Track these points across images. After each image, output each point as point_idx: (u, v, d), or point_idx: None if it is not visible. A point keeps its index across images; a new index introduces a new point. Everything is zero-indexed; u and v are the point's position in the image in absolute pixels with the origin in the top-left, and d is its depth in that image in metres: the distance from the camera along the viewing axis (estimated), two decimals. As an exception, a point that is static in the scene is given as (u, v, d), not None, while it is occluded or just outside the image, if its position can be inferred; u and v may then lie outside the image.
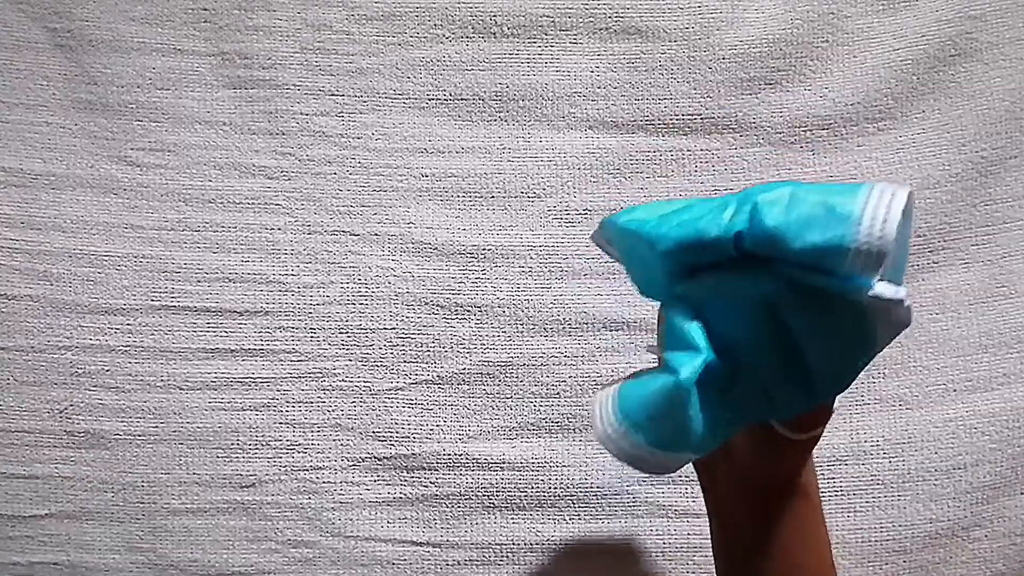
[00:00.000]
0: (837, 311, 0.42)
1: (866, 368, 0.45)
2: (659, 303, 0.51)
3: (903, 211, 0.40)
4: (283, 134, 0.78)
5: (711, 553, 0.57)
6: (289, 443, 0.74)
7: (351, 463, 0.74)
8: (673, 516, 0.73)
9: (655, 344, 0.50)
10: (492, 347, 0.75)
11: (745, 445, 0.49)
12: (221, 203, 0.77)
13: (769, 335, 0.44)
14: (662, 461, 0.46)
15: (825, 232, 0.40)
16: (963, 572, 0.72)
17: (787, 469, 0.52)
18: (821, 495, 0.71)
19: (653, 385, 0.44)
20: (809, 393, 0.46)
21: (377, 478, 0.74)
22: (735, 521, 0.54)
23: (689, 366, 0.43)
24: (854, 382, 0.46)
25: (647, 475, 0.47)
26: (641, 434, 0.45)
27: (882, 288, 0.41)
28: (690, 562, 0.73)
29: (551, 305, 0.76)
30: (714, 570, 0.57)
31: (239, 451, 0.74)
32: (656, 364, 0.50)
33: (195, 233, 0.77)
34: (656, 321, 0.52)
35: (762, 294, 0.43)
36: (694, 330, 0.44)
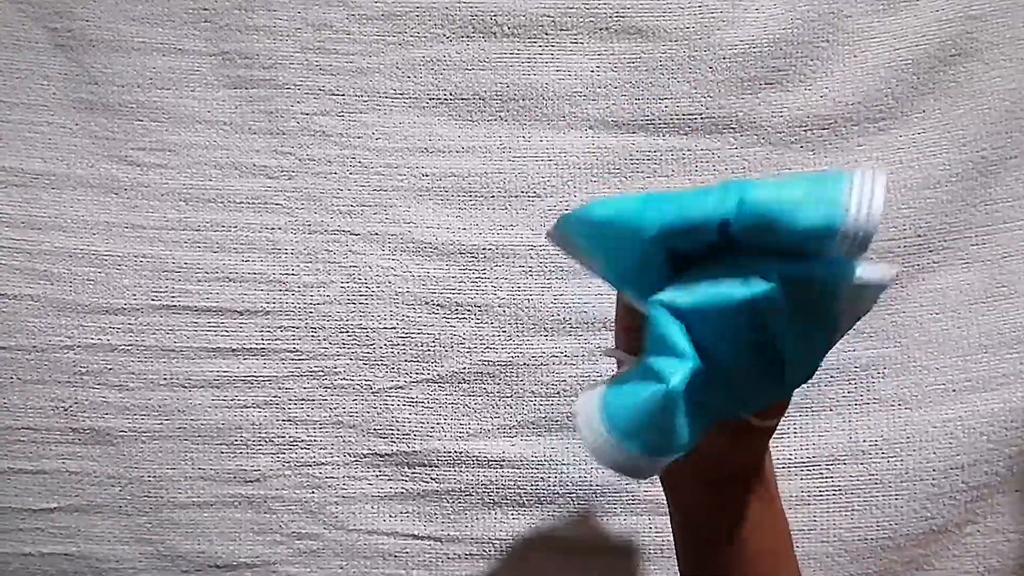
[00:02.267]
0: (816, 304, 0.44)
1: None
2: (619, 300, 0.53)
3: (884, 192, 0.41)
4: (283, 134, 0.79)
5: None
6: (292, 439, 0.76)
7: (353, 459, 0.76)
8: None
9: (612, 347, 0.52)
10: (492, 347, 0.77)
11: (709, 436, 0.51)
12: (221, 203, 0.78)
13: (750, 338, 0.45)
14: (652, 467, 0.47)
15: (815, 215, 0.41)
16: (955, 566, 0.74)
17: (749, 457, 0.53)
18: (820, 495, 0.73)
19: (642, 393, 0.45)
20: (782, 386, 0.47)
21: (379, 474, 0.76)
22: (697, 512, 0.55)
23: (679, 373, 0.44)
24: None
25: (631, 479, 0.47)
26: (633, 443, 0.45)
27: (870, 272, 0.43)
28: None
29: (551, 305, 0.77)
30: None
31: (243, 447, 0.76)
32: (618, 367, 0.50)
33: (195, 233, 0.78)
34: (615, 321, 0.55)
35: (750, 296, 0.43)
36: (681, 336, 0.45)
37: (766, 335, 0.45)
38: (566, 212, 0.50)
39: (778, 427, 0.53)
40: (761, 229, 0.43)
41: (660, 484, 0.58)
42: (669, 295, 0.45)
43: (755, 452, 0.54)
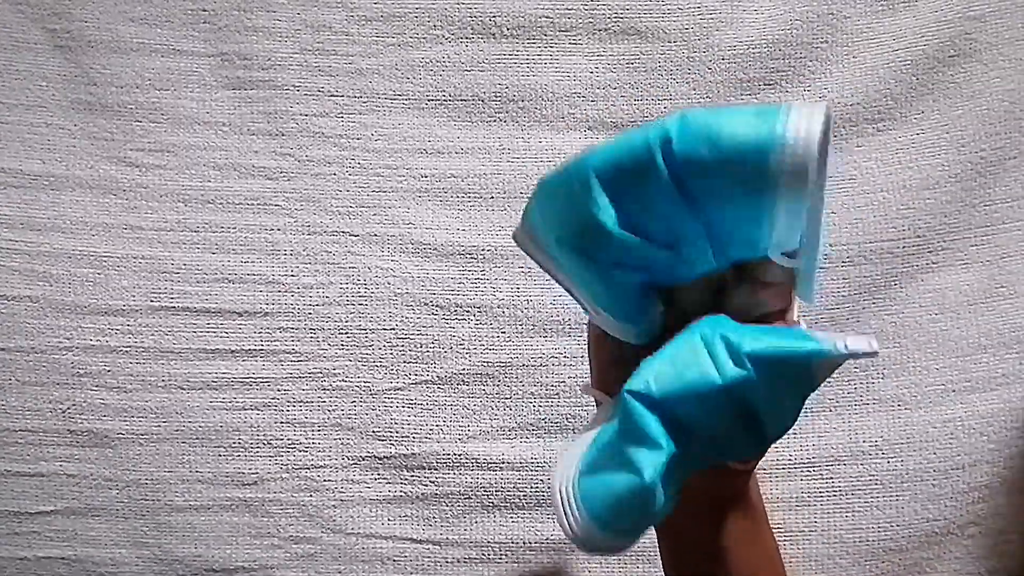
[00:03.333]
0: (792, 377, 0.44)
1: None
2: (590, 330, 0.53)
3: (824, 125, 0.42)
4: (282, 135, 0.80)
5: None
6: (290, 442, 0.77)
7: (351, 462, 0.77)
8: (671, 515, 0.75)
9: (590, 387, 0.52)
10: (492, 347, 0.77)
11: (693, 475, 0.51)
12: (220, 203, 0.79)
13: (728, 414, 0.45)
14: (627, 546, 0.47)
15: (754, 130, 0.42)
16: (957, 568, 0.74)
17: (734, 485, 0.54)
18: (820, 496, 0.73)
19: (617, 485, 0.45)
20: (762, 443, 0.47)
21: (377, 476, 0.77)
22: (686, 537, 0.56)
23: (653, 466, 0.44)
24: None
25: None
26: (609, 530, 0.45)
27: (855, 343, 0.43)
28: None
29: (551, 305, 0.78)
30: None
31: (241, 450, 0.77)
32: (595, 409, 0.51)
33: (195, 233, 0.78)
34: (586, 344, 0.54)
35: (724, 383, 0.43)
36: (654, 426, 0.44)
37: (746, 408, 0.45)
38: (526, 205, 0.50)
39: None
40: (703, 145, 0.42)
41: None
42: (640, 384, 0.45)
43: (741, 482, 0.54)
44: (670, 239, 0.46)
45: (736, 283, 0.49)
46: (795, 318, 0.49)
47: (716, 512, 0.54)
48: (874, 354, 0.43)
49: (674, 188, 0.43)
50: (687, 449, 0.45)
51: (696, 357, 0.44)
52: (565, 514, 0.46)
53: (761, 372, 0.43)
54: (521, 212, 0.49)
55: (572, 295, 0.51)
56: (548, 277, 0.76)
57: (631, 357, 0.48)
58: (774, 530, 0.59)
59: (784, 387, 0.45)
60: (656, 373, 0.45)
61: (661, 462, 0.44)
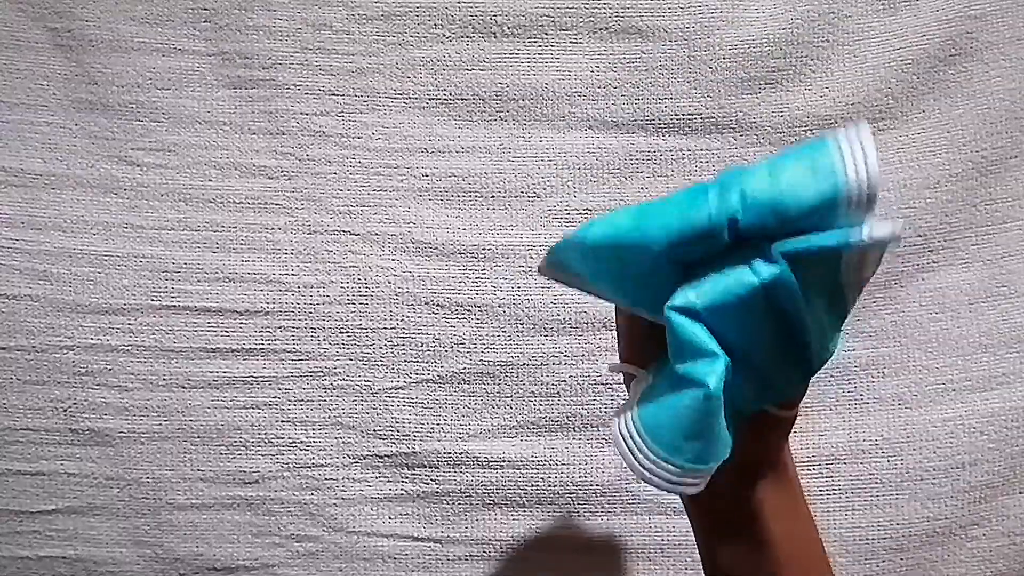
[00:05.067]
0: (823, 274, 0.44)
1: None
2: (618, 312, 0.54)
3: (874, 150, 0.42)
4: (283, 134, 0.80)
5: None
6: (291, 441, 0.78)
7: (352, 460, 0.78)
8: (672, 513, 0.76)
9: (617, 362, 0.52)
10: (492, 347, 0.78)
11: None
12: (221, 203, 0.80)
13: (769, 326, 0.45)
14: (703, 478, 0.46)
15: (818, 188, 0.42)
16: (962, 571, 0.75)
17: (771, 447, 0.54)
18: (820, 495, 0.74)
19: (680, 403, 0.45)
20: (807, 367, 0.48)
21: (378, 475, 0.78)
22: (719, 507, 0.55)
23: (714, 374, 0.44)
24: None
25: (683, 493, 0.47)
26: (681, 456, 0.45)
27: (879, 228, 0.43)
28: (688, 559, 0.76)
29: (551, 305, 0.78)
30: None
31: (242, 448, 0.78)
32: (626, 381, 0.51)
33: (195, 233, 0.79)
34: (617, 335, 0.55)
35: (760, 282, 0.44)
36: (706, 336, 0.45)
37: (784, 317, 0.45)
38: (555, 243, 0.50)
39: (797, 415, 0.54)
40: (770, 217, 0.43)
41: None
42: (682, 299, 0.45)
43: (774, 444, 0.54)
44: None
45: None
46: None
47: (750, 478, 0.53)
48: (898, 239, 0.43)
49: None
50: (737, 372, 0.45)
51: (731, 267, 0.45)
52: (631, 451, 0.46)
53: (794, 268, 0.43)
54: (550, 237, 0.50)
55: (602, 298, 0.51)
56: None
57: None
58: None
59: (817, 286, 0.45)
60: (696, 286, 0.45)
61: (720, 369, 0.44)
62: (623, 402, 0.50)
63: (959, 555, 0.75)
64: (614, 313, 0.56)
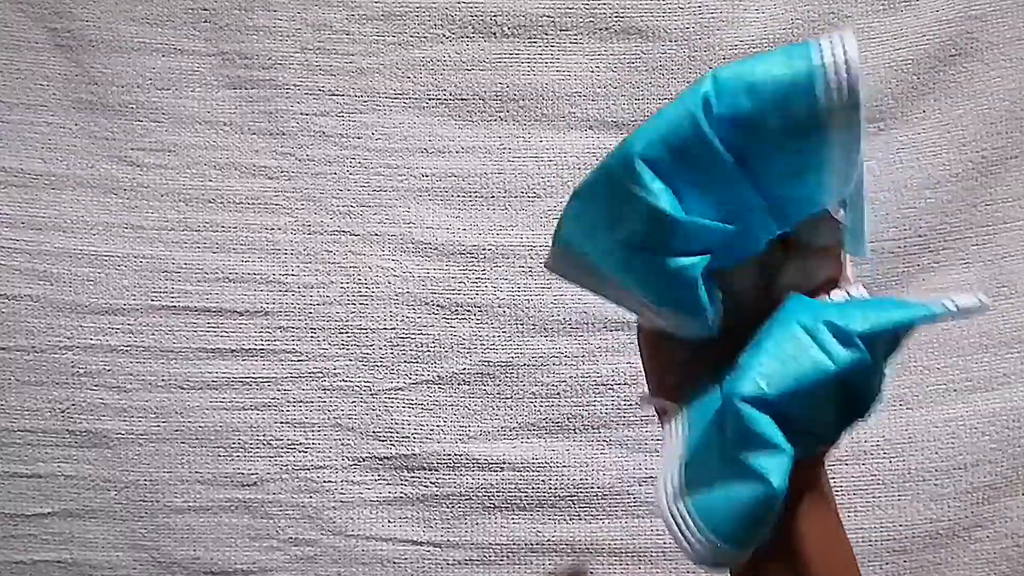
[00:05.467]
0: (896, 343, 0.43)
1: None
2: (641, 339, 0.51)
3: (855, 45, 0.40)
4: (283, 134, 0.81)
5: None
6: (290, 442, 0.78)
7: (352, 462, 0.78)
8: (673, 515, 0.75)
9: (649, 395, 0.50)
10: (492, 347, 0.78)
11: None
12: (221, 203, 0.80)
13: (837, 403, 0.43)
14: (749, 555, 0.45)
15: (792, 68, 0.40)
16: (966, 573, 0.75)
17: (809, 473, 0.54)
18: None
19: (741, 496, 0.43)
20: (853, 421, 0.46)
21: (378, 478, 0.78)
22: None
23: (779, 470, 0.42)
24: None
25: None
26: (734, 543, 0.43)
27: (966, 300, 0.41)
28: (689, 562, 0.74)
29: (551, 305, 0.79)
30: None
31: (240, 450, 0.77)
32: (662, 413, 0.49)
33: (195, 233, 0.80)
34: (644, 369, 0.52)
35: (839, 369, 0.42)
36: (773, 429, 0.42)
37: (854, 394, 0.43)
38: (554, 240, 0.48)
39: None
40: (743, 97, 0.41)
41: None
42: (751, 385, 0.43)
43: (812, 470, 0.54)
44: (731, 213, 0.43)
45: (784, 258, 0.48)
46: (850, 279, 0.48)
47: (792, 505, 0.53)
48: (985, 308, 0.42)
49: (726, 154, 0.41)
50: (795, 445, 0.43)
51: (803, 349, 0.43)
52: (683, 536, 0.44)
53: (872, 350, 0.42)
54: (550, 237, 0.47)
55: (623, 304, 0.48)
56: (548, 277, 0.78)
57: (692, 357, 0.48)
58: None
59: (887, 359, 0.43)
60: (765, 372, 0.43)
61: (787, 465, 0.42)
62: (662, 462, 0.47)
63: (963, 557, 0.75)
64: (638, 345, 0.53)
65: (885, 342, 0.43)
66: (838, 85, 0.40)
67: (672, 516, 0.44)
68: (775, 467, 0.42)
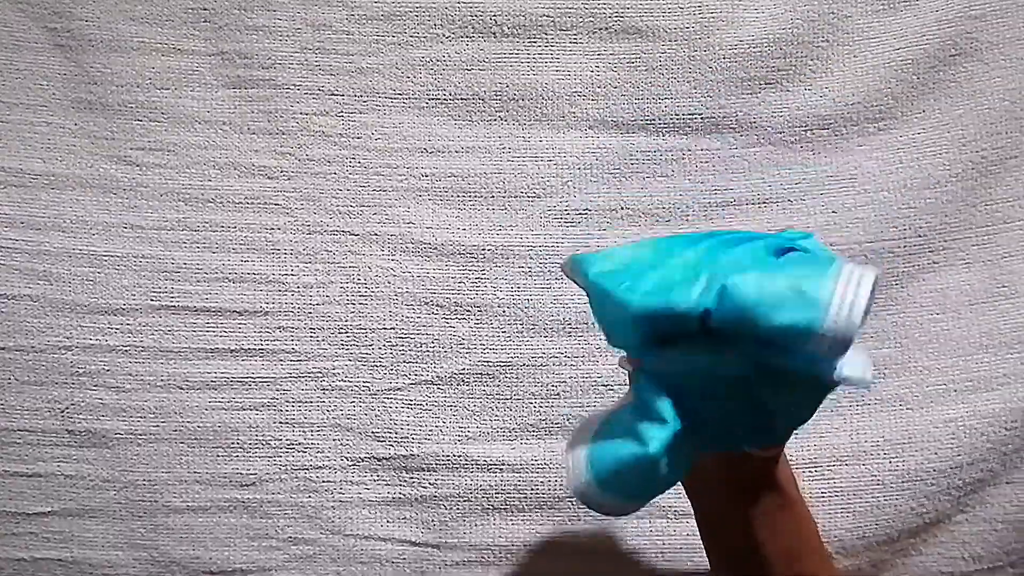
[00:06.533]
0: (795, 386, 0.48)
1: None
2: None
3: (868, 303, 0.44)
4: (283, 134, 0.81)
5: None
6: (289, 442, 0.78)
7: (351, 463, 0.78)
8: (673, 517, 0.76)
9: (625, 358, 0.54)
10: (492, 347, 0.78)
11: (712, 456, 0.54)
12: (221, 203, 0.80)
13: (737, 405, 0.49)
14: (630, 509, 0.52)
15: (794, 315, 0.44)
16: (941, 552, 0.75)
17: (758, 472, 0.57)
18: (822, 496, 0.74)
19: (622, 452, 0.49)
20: (773, 436, 0.52)
21: (376, 478, 0.78)
22: (720, 521, 0.59)
23: (658, 439, 0.48)
24: None
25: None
26: (612, 493, 0.50)
27: (850, 372, 0.46)
28: (689, 563, 0.76)
29: (551, 305, 0.79)
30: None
31: (239, 450, 0.78)
32: (626, 395, 0.53)
33: (195, 233, 0.80)
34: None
35: (730, 376, 0.47)
36: (663, 405, 0.48)
37: (752, 399, 0.48)
38: (576, 255, 0.54)
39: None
40: (739, 323, 0.45)
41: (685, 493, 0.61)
42: (654, 362, 0.49)
43: (763, 468, 0.56)
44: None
45: None
46: None
47: (744, 494, 0.56)
48: (868, 386, 0.47)
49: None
50: (697, 429, 0.49)
51: (708, 352, 0.47)
52: (572, 473, 0.50)
53: (770, 372, 0.47)
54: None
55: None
56: (548, 277, 0.78)
57: None
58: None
59: (788, 391, 0.48)
60: (671, 358, 0.48)
61: (665, 437, 0.48)
62: (593, 415, 0.53)
63: (940, 538, 0.75)
64: None
65: (787, 379, 0.47)
66: (831, 343, 0.44)
67: (571, 454, 0.51)
68: (656, 435, 0.48)
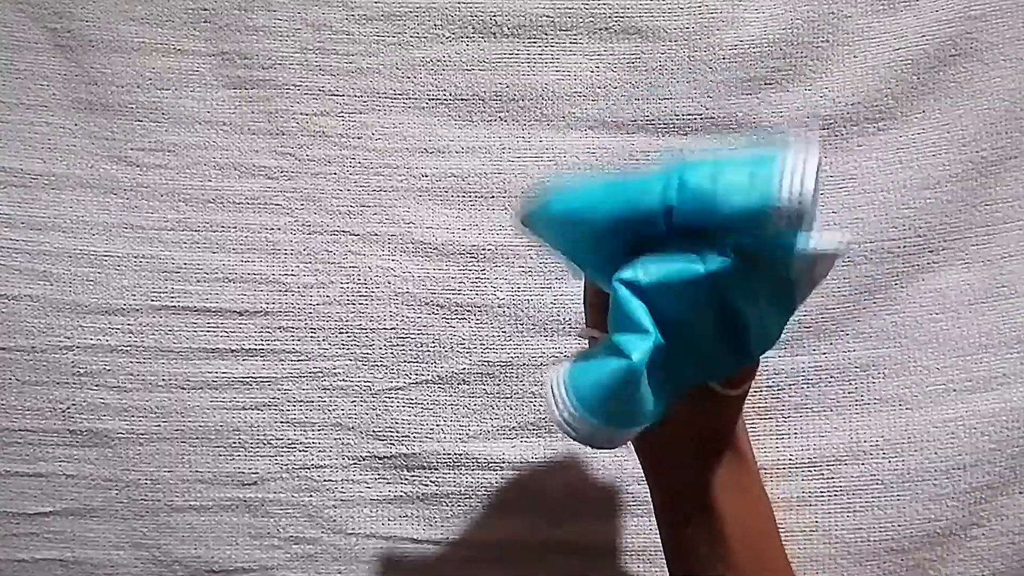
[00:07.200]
0: (770, 274, 0.48)
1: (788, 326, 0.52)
2: (586, 278, 0.57)
3: (816, 174, 0.45)
4: (283, 134, 0.81)
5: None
6: (290, 442, 0.78)
7: (352, 462, 0.78)
8: (673, 516, 0.76)
9: (585, 327, 0.56)
10: (492, 347, 0.79)
11: (681, 406, 0.55)
12: (221, 203, 0.81)
13: (709, 310, 0.49)
14: (615, 437, 0.51)
15: (750, 195, 0.46)
16: (960, 570, 0.75)
17: (721, 424, 0.57)
18: (822, 496, 0.75)
19: (605, 368, 0.48)
20: (744, 355, 0.52)
21: (378, 477, 0.78)
22: (676, 485, 0.59)
23: (640, 349, 0.47)
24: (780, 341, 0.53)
25: (597, 448, 0.52)
26: (596, 416, 0.49)
27: (823, 241, 0.47)
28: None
29: (551, 305, 0.79)
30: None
31: (241, 449, 0.78)
32: (592, 345, 0.54)
33: (195, 233, 0.80)
34: (583, 304, 0.60)
35: (707, 271, 0.47)
36: (642, 313, 0.48)
37: (726, 306, 0.49)
38: (530, 204, 0.54)
39: (748, 393, 0.57)
40: (702, 214, 0.47)
41: (636, 454, 0.62)
42: (630, 273, 0.49)
43: (727, 419, 0.57)
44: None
45: None
46: None
47: (705, 457, 0.57)
48: (845, 251, 0.48)
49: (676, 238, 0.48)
50: (674, 348, 0.49)
51: (684, 253, 0.48)
52: (554, 401, 0.50)
53: (744, 262, 0.47)
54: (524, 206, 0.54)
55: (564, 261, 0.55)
56: (548, 277, 0.79)
57: None
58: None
59: (765, 281, 0.48)
60: (645, 267, 0.49)
61: (647, 346, 0.48)
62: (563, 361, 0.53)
63: (958, 555, 0.75)
64: (583, 291, 0.61)
65: (762, 266, 0.47)
66: (788, 217, 0.45)
67: (549, 385, 0.51)
68: (637, 344, 0.47)
